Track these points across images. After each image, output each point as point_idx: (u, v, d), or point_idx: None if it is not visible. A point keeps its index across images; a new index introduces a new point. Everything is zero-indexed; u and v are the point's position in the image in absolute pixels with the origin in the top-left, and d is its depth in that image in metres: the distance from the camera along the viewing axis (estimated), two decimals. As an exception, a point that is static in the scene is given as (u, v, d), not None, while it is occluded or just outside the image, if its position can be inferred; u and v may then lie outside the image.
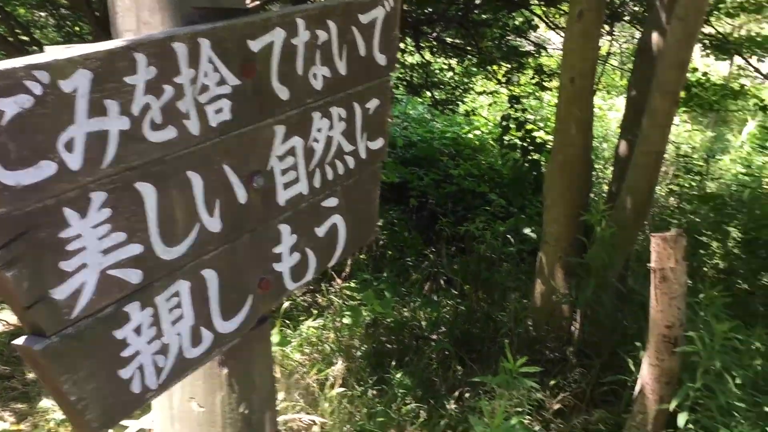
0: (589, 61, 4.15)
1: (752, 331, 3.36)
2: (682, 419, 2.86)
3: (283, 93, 1.45)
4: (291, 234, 1.58)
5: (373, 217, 1.90)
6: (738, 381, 3.03)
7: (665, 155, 8.74)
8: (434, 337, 4.49)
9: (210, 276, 1.36)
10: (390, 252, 6.73)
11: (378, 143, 1.84)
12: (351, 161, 1.74)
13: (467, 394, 3.75)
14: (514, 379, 2.87)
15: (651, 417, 3.05)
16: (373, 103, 1.77)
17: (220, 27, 1.29)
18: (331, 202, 1.71)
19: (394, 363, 4.05)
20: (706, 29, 7.52)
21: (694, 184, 7.71)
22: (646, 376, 3.10)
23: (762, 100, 7.46)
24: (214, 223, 1.34)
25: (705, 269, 5.14)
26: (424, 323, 4.68)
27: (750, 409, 3.02)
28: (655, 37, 4.44)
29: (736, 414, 2.98)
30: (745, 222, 5.75)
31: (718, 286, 3.55)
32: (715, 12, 7.25)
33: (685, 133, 9.36)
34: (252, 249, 1.46)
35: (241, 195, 1.40)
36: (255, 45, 1.36)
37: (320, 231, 1.68)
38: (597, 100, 10.15)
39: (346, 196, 1.75)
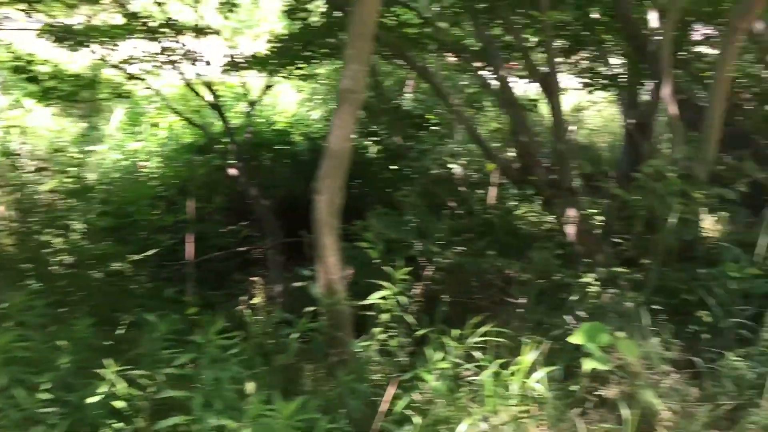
0: None
1: (68, 328, 3.33)
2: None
3: None
4: None
5: None
6: (46, 386, 2.94)
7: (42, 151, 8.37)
8: None
9: None
10: None
11: None
12: None
13: None
14: None
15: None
16: None
17: None
18: None
19: None
20: (53, 20, 7.31)
21: (71, 179, 7.47)
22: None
23: (117, 88, 7.62)
24: None
25: (53, 268, 4.99)
26: None
27: (63, 410, 2.95)
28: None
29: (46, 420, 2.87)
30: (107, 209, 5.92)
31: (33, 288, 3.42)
32: (53, 2, 7.07)
33: (57, 127, 9.09)
34: None
35: None
36: None
37: None
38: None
39: None
